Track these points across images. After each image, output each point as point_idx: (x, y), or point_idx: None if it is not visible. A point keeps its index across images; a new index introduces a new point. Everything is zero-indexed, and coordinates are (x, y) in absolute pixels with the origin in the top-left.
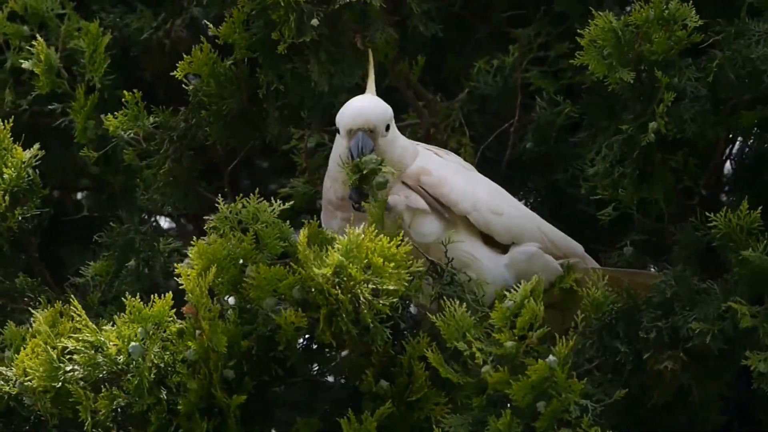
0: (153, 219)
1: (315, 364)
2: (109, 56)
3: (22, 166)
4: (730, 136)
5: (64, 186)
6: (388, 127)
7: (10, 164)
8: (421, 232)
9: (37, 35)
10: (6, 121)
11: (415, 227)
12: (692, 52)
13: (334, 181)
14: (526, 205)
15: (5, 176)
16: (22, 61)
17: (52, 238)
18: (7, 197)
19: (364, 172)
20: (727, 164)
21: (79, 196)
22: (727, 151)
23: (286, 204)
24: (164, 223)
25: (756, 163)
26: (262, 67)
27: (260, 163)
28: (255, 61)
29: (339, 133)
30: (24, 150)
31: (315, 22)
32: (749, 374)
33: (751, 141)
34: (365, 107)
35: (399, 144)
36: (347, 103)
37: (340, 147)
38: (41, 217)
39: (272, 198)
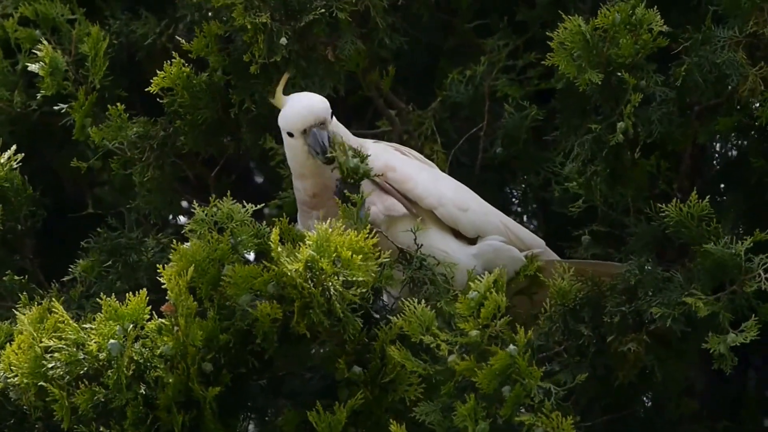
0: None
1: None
2: (113, 60)
3: (2, 167)
4: (699, 139)
5: (79, 183)
6: (332, 116)
7: None
8: (400, 240)
9: (46, 39)
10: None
11: (393, 234)
12: (662, 58)
13: (304, 179)
14: (511, 209)
15: None
16: (29, 63)
17: (70, 233)
18: None
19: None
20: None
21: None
22: (702, 156)
23: (259, 206)
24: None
25: (740, 166)
26: (234, 88)
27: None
28: (226, 76)
29: (289, 135)
30: (35, 151)
31: (283, 41)
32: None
33: (730, 144)
34: (310, 105)
35: (341, 132)
36: (288, 106)
37: (295, 148)
38: (35, 218)
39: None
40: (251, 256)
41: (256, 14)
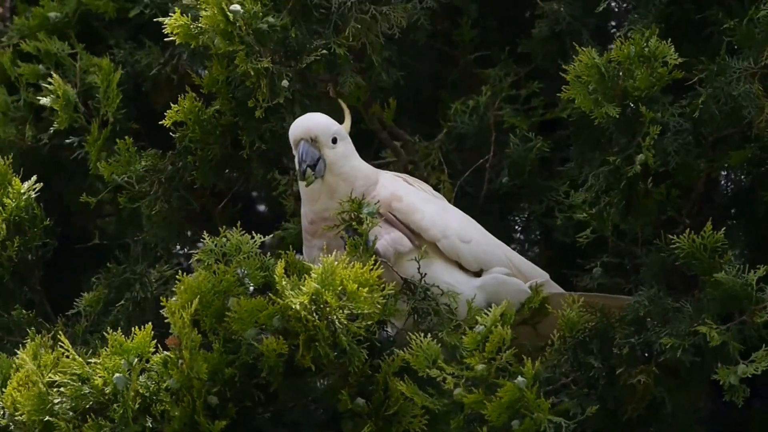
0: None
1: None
2: (121, 91)
3: (21, 197)
4: (713, 168)
5: (87, 214)
6: (335, 140)
7: (11, 195)
8: (405, 271)
9: (53, 73)
10: (8, 155)
11: (398, 265)
12: (676, 89)
13: (303, 204)
14: (514, 236)
15: (6, 206)
16: (40, 98)
17: (75, 265)
18: (4, 226)
19: (362, 215)
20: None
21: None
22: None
23: (266, 237)
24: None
25: (747, 195)
26: (243, 130)
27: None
28: (233, 119)
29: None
30: (45, 183)
31: (285, 83)
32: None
33: (742, 176)
34: (306, 119)
35: (352, 163)
36: None
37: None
38: (45, 248)
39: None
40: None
41: (257, 59)
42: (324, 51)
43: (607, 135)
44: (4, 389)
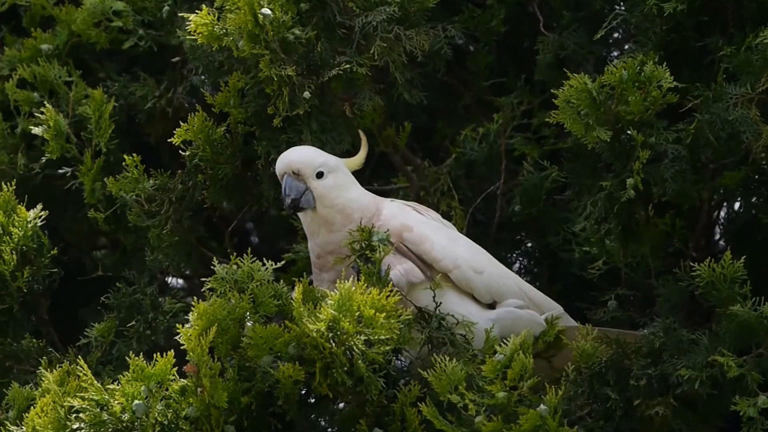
0: (163, 277)
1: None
2: (113, 122)
3: (27, 225)
4: (714, 197)
5: (82, 246)
6: (321, 174)
7: (17, 224)
8: (418, 300)
9: (47, 102)
10: (9, 183)
11: (411, 294)
12: (674, 115)
13: (309, 239)
14: (521, 267)
15: (13, 235)
16: (32, 127)
17: (72, 298)
18: (15, 256)
19: (373, 243)
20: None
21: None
22: (717, 214)
23: (278, 264)
24: (178, 281)
25: (748, 225)
26: (258, 140)
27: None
28: (249, 128)
29: None
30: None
31: (307, 94)
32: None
33: (739, 204)
34: (288, 152)
35: (347, 195)
36: None
37: None
38: (51, 278)
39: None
40: None
41: (281, 66)
42: (347, 66)
43: (602, 161)
44: (26, 415)
